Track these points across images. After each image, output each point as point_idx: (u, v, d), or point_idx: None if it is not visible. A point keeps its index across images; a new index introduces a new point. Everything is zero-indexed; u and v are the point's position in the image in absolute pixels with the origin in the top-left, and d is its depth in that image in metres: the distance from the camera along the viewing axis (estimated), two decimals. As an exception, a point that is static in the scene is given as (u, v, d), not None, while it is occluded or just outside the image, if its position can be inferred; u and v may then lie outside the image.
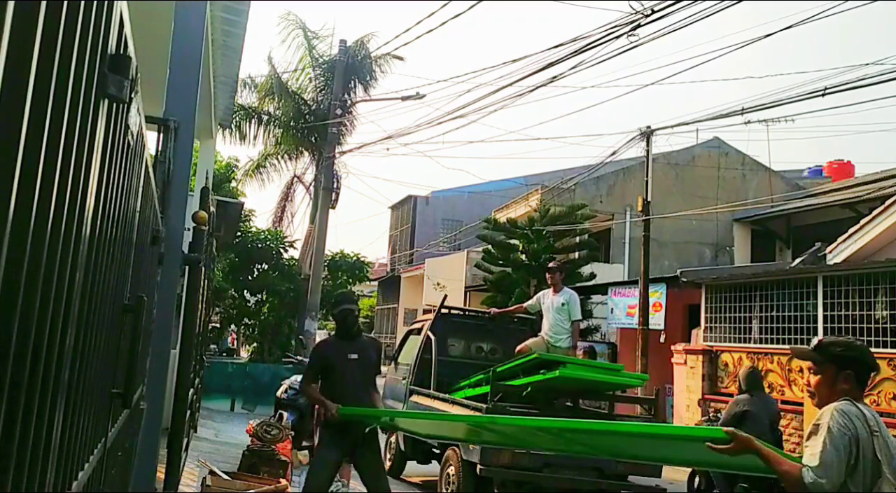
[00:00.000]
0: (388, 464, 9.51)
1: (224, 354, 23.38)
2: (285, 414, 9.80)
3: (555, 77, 10.57)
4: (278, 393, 10.54)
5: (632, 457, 6.17)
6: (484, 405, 7.18)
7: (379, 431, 5.94)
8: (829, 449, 2.65)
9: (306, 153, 20.92)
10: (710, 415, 10.21)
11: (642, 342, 14.41)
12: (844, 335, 10.02)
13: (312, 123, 19.23)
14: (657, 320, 14.84)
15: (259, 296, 18.99)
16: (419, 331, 9.63)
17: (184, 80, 4.69)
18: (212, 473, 6.94)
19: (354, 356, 5.53)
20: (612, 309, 16.37)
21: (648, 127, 15.05)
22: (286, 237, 20.33)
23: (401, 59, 19.70)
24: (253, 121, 19.82)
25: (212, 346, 19.71)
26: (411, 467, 9.43)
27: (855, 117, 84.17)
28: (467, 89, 32.58)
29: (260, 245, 18.59)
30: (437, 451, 8.34)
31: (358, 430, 5.47)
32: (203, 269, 5.52)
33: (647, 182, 15.38)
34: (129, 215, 2.14)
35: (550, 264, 9.29)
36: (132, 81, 1.56)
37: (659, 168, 18.97)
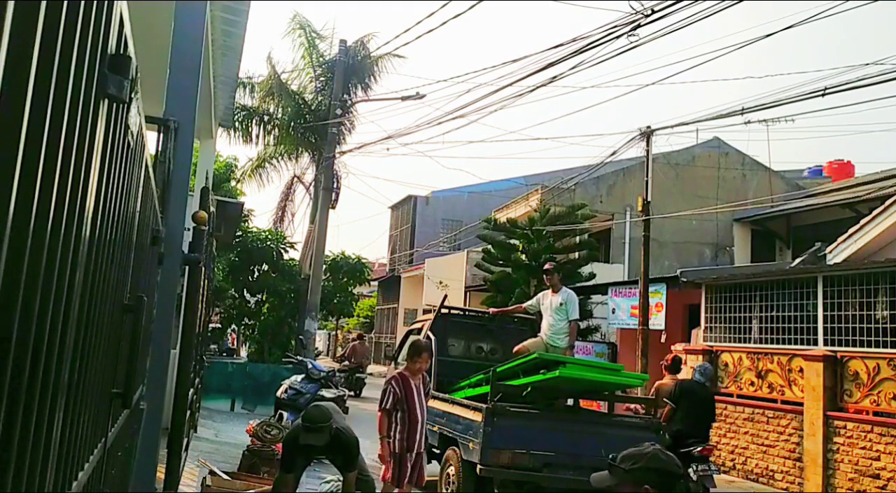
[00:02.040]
0: (388, 464, 9.51)
1: (224, 354, 23.37)
2: (285, 414, 9.80)
3: (555, 77, 10.56)
4: (278, 393, 10.54)
5: None
6: (484, 405, 7.19)
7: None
8: None
9: (306, 153, 20.93)
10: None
11: (642, 342, 14.40)
12: (845, 335, 10.04)
13: (312, 123, 19.24)
14: (658, 321, 14.84)
15: (259, 296, 18.99)
16: (419, 331, 9.63)
17: (184, 81, 4.68)
18: (212, 473, 6.94)
19: (321, 458, 5.97)
20: (613, 309, 16.37)
21: (648, 127, 15.04)
22: (287, 239, 20.33)
23: (402, 57, 19.71)
24: (253, 121, 19.83)
25: (212, 346, 19.70)
26: (411, 467, 9.42)
27: (855, 117, 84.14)
28: (467, 89, 32.59)
29: (260, 245, 18.59)
30: (437, 451, 8.34)
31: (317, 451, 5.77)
32: (203, 269, 5.52)
33: (647, 182, 15.37)
34: (129, 215, 2.14)
35: (546, 266, 9.27)
36: (132, 81, 1.56)
37: (659, 168, 18.97)
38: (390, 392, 6.18)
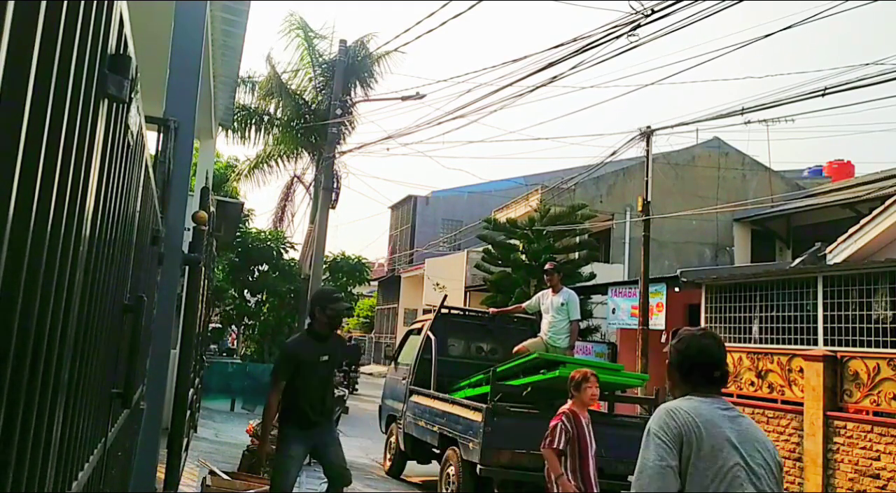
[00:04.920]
0: (388, 464, 9.52)
1: (224, 354, 23.37)
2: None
3: (555, 77, 10.56)
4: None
5: None
6: (484, 405, 7.19)
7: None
8: (652, 460, 2.40)
9: (306, 153, 20.93)
10: None
11: (642, 342, 14.40)
12: (845, 335, 10.04)
13: (312, 123, 19.24)
14: (658, 321, 14.83)
15: (259, 296, 18.99)
16: (419, 331, 9.64)
17: (184, 81, 4.68)
18: (212, 473, 6.94)
19: (325, 358, 5.30)
20: (613, 309, 16.37)
21: (648, 127, 15.05)
22: (287, 238, 20.33)
23: (403, 53, 19.70)
24: (253, 120, 19.83)
25: (212, 346, 19.69)
26: (411, 467, 9.44)
27: (855, 117, 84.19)
28: (467, 89, 32.56)
29: (260, 246, 18.59)
30: (437, 451, 8.34)
31: (323, 423, 5.32)
32: (203, 269, 5.52)
33: (647, 182, 15.38)
34: (129, 215, 2.14)
35: (547, 267, 9.24)
36: (132, 81, 1.56)
37: (659, 168, 18.98)
38: (562, 430, 5.39)
